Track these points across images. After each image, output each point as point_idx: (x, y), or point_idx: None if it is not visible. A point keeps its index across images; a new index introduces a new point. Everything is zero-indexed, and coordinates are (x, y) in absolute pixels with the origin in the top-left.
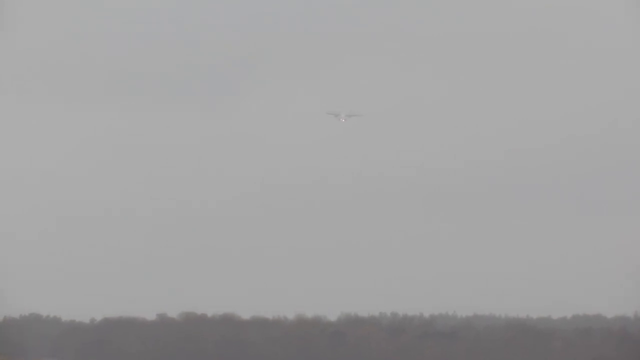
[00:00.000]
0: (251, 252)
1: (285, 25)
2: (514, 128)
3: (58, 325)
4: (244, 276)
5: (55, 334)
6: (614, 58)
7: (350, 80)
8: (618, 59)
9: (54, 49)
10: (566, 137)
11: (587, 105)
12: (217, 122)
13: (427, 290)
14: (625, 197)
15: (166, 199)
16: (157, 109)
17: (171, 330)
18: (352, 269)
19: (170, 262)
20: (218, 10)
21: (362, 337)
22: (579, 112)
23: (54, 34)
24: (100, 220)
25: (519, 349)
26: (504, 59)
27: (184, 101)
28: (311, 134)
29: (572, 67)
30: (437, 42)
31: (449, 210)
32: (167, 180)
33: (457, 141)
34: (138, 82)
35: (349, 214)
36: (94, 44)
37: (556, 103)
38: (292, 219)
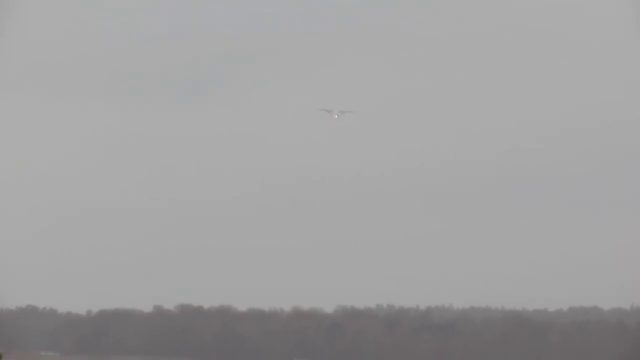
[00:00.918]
0: (248, 245)
1: (281, 24)
2: (509, 126)
3: (54, 317)
4: (240, 269)
5: (52, 326)
6: (610, 55)
7: (346, 79)
8: (614, 57)
9: (50, 48)
10: (561, 134)
11: (585, 103)
12: (213, 121)
13: (424, 282)
14: (621, 192)
15: (163, 195)
16: (153, 108)
17: (168, 322)
18: (349, 262)
19: (167, 254)
20: (215, 9)
21: (359, 329)
22: (576, 109)
23: (51, 34)
24: (97, 214)
25: (516, 341)
26: (499, 58)
27: (181, 100)
28: (308, 133)
29: (569, 64)
30: (433, 41)
31: (445, 205)
32: (164, 176)
33: (452, 139)
34: (134, 80)
35: (346, 209)
36: (91, 43)
37: (553, 101)
38: (289, 214)
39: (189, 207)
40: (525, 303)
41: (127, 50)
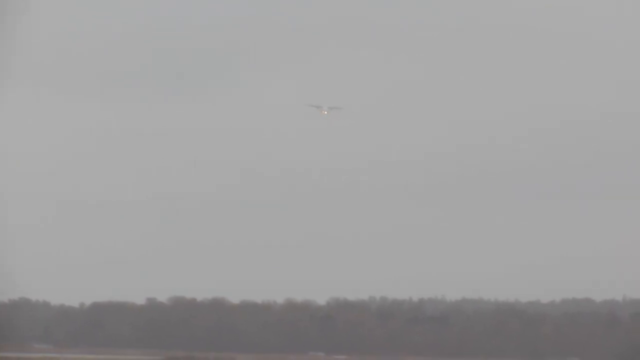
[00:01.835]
0: (240, 238)
1: (268, 17)
2: (501, 118)
3: (47, 309)
4: (233, 261)
5: (45, 318)
6: (600, 49)
7: (333, 72)
8: (604, 50)
9: (42, 43)
10: (552, 127)
11: (577, 93)
12: (202, 114)
13: (417, 274)
14: (614, 185)
15: (155, 188)
16: (141, 102)
17: (161, 315)
18: (342, 254)
19: (160, 247)
20: (203, 2)
21: (352, 321)
22: (568, 100)
23: (43, 29)
24: (90, 207)
25: (509, 333)
26: (488, 50)
27: (168, 93)
28: (295, 125)
29: (561, 58)
30: (421, 34)
31: (438, 197)
32: (155, 169)
33: (443, 132)
34: (123, 73)
35: (339, 201)
36: (82, 37)
37: (544, 91)
38: (282, 206)
39: (181, 199)
40: (518, 295)
41: (114, 44)
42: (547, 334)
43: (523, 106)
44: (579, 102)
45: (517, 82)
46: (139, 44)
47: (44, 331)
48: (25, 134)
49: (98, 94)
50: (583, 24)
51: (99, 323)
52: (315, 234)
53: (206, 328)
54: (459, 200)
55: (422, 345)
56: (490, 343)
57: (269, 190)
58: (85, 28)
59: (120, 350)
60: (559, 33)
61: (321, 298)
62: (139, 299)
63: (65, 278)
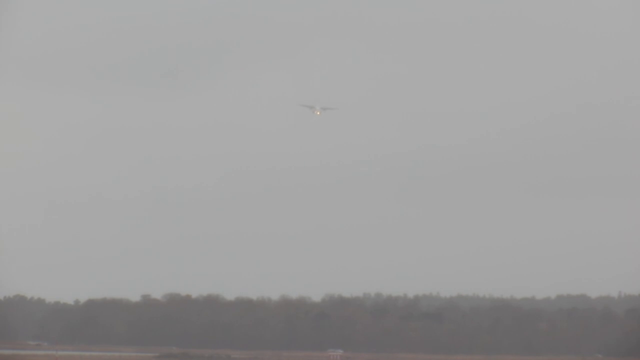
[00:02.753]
0: (235, 235)
1: (257, 11)
2: (493, 110)
3: (43, 306)
4: (228, 258)
5: (40, 315)
6: (583, 39)
7: (321, 66)
8: (587, 40)
9: (28, 41)
10: (539, 118)
11: (558, 86)
12: (193, 109)
13: (412, 271)
14: (611, 181)
15: (148, 184)
16: (132, 98)
17: (156, 312)
18: (336, 251)
19: (154, 244)
20: None
21: (347, 318)
22: (551, 93)
23: (29, 26)
24: (84, 205)
25: (504, 329)
26: (470, 44)
27: (158, 89)
28: (285, 120)
29: (543, 49)
30: (408, 29)
31: (432, 193)
32: (147, 166)
33: (430, 126)
34: (111, 69)
35: (332, 198)
36: (69, 33)
37: (525, 85)
38: (275, 203)
39: (174, 195)
40: (513, 291)
41: (102, 41)
42: (542, 330)
43: (515, 99)
44: (569, 95)
45: (508, 78)
46: (128, 40)
47: (39, 328)
48: (14, 131)
49: (87, 89)
50: (570, 15)
51: (94, 320)
52: (309, 231)
53: (201, 325)
54: (454, 197)
55: (417, 342)
56: (485, 339)
57: (262, 187)
58: (73, 24)
59: (115, 347)
60: (546, 25)
61: (316, 295)
62: (134, 296)
63: (60, 275)
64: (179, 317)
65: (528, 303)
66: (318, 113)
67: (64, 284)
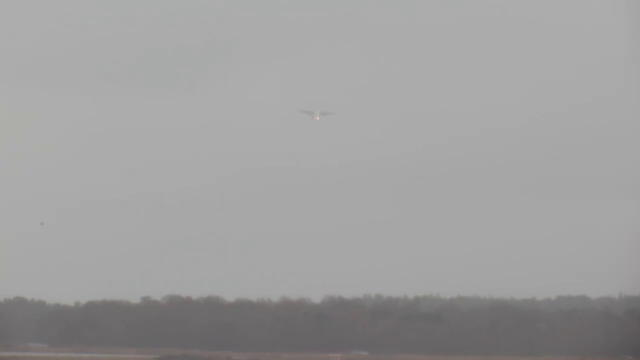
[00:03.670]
0: (235, 236)
1: (257, 10)
2: (487, 109)
3: (43, 308)
4: (228, 259)
5: (41, 317)
6: (570, 38)
7: (319, 67)
8: (574, 39)
9: (28, 40)
10: (539, 117)
11: (554, 84)
12: (189, 109)
13: (412, 272)
14: (609, 178)
15: (148, 185)
16: (130, 98)
17: (156, 313)
18: (336, 252)
19: (154, 245)
20: None
21: (347, 319)
22: (549, 92)
23: (28, 24)
24: (85, 206)
25: (504, 330)
26: (462, 43)
27: (158, 89)
28: (283, 120)
29: (531, 48)
30: (408, 30)
31: (432, 193)
32: (148, 167)
33: (431, 126)
34: (109, 70)
35: (332, 199)
36: (67, 34)
37: (524, 84)
38: (275, 204)
39: (175, 197)
40: (513, 292)
41: (100, 41)
42: (542, 331)
43: (516, 98)
44: (570, 94)
45: (508, 77)
46: (127, 40)
47: (40, 330)
48: (14, 131)
49: (86, 90)
50: (565, 13)
51: (94, 322)
52: (310, 232)
53: (201, 326)
54: (454, 197)
55: (417, 343)
56: (485, 340)
57: (262, 188)
58: (71, 24)
59: (116, 349)
60: (541, 25)
61: (316, 296)
62: (134, 298)
63: (60, 277)
64: (179, 319)
65: (528, 304)
66: (318, 118)
67: (64, 286)
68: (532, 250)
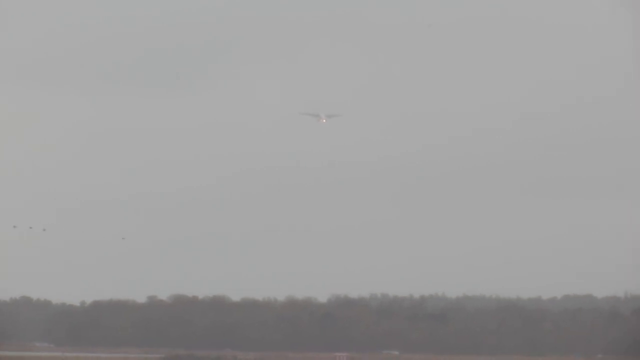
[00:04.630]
0: (241, 235)
1: (255, 9)
2: (487, 107)
3: (49, 308)
4: (234, 259)
5: (46, 317)
6: (566, 37)
7: (321, 67)
8: (569, 38)
9: (27, 39)
10: (531, 117)
11: (557, 82)
12: (191, 108)
13: (417, 271)
14: (615, 177)
15: (153, 184)
16: (131, 98)
17: (161, 313)
18: (342, 251)
19: (160, 245)
20: None
21: (352, 318)
22: (552, 90)
23: (28, 24)
24: (91, 205)
25: (510, 330)
26: (459, 42)
27: (158, 89)
28: (286, 120)
29: (527, 48)
30: (413, 30)
31: (438, 192)
32: (152, 165)
33: (431, 126)
34: (110, 69)
35: (338, 198)
36: (67, 33)
37: (523, 83)
38: (280, 203)
39: (179, 195)
40: (519, 291)
41: (99, 41)
42: (548, 331)
43: (511, 98)
44: (570, 92)
45: (507, 77)
46: (127, 40)
47: (45, 330)
48: (14, 132)
49: (86, 90)
50: (565, 13)
51: (100, 321)
52: (316, 231)
53: (207, 326)
54: (460, 196)
55: (423, 342)
56: (491, 340)
57: (267, 187)
58: (71, 24)
59: (121, 349)
60: (540, 25)
61: (322, 295)
62: (140, 298)
63: (66, 277)
64: (184, 318)
65: (534, 303)
66: (324, 121)
67: (70, 285)
68: (537, 250)
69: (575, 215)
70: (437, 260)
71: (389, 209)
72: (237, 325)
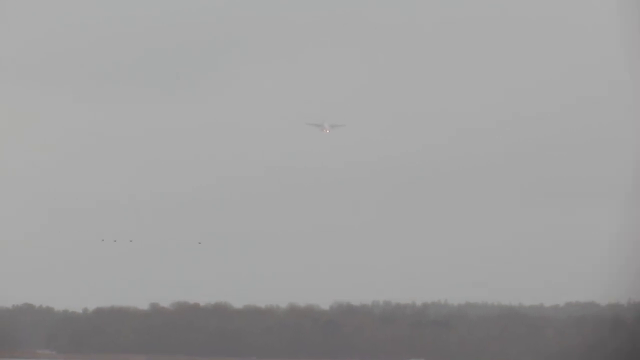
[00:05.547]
0: (243, 241)
1: (255, 9)
2: (492, 102)
3: (51, 315)
4: (236, 265)
5: (48, 324)
6: (560, 38)
7: (324, 69)
8: (564, 39)
9: (26, 41)
10: (531, 117)
11: (557, 82)
12: (189, 107)
13: (420, 278)
14: (617, 183)
15: (155, 188)
16: (130, 95)
17: (164, 320)
18: (345, 258)
19: (162, 251)
20: None
21: (355, 326)
22: (552, 89)
23: (28, 24)
24: (91, 211)
25: (512, 337)
26: (451, 42)
27: (160, 91)
28: (286, 120)
29: (525, 48)
30: (406, 29)
31: (439, 198)
32: (154, 170)
33: (433, 126)
34: (110, 69)
35: (341, 204)
36: (68, 34)
37: (516, 85)
38: (276, 205)
39: (180, 200)
40: (521, 299)
41: (100, 42)
42: (550, 338)
43: (511, 98)
44: (571, 92)
45: (507, 77)
46: (125, 40)
47: (48, 337)
48: (12, 132)
49: (86, 91)
50: (565, 13)
51: (103, 328)
52: (318, 237)
53: (209, 333)
54: (460, 199)
55: (426, 350)
56: (493, 347)
57: (263, 188)
58: (71, 24)
59: (124, 356)
60: (540, 24)
61: (324, 302)
62: (142, 304)
63: (69, 284)
64: (187, 325)
65: (536, 310)
66: (327, 131)
67: (73, 292)
68: (540, 257)
69: (578, 222)
70: (440, 267)
71: (392, 216)
72: (240, 332)
